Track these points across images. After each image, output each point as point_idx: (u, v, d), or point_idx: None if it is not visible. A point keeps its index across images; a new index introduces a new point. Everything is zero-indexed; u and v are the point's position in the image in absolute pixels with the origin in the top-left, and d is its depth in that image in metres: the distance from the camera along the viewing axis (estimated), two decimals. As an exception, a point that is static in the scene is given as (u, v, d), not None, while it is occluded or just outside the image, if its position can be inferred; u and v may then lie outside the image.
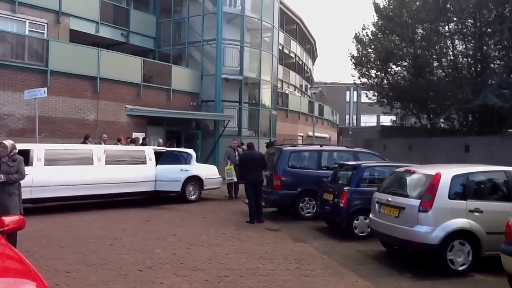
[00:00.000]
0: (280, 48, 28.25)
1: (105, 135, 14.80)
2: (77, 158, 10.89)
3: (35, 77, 15.31)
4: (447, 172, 6.76)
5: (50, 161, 9.96)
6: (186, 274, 5.84)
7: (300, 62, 36.75)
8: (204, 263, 6.43)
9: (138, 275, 5.70)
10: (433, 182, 6.60)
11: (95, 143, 13.44)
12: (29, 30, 17.47)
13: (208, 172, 13.44)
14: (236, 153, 13.54)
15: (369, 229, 8.42)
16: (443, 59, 21.45)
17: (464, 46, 20.61)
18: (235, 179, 12.71)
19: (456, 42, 20.90)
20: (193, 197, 12.81)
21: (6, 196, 6.16)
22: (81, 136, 14.75)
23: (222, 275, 5.88)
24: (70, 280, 5.41)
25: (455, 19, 20.00)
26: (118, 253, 6.75)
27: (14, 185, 6.28)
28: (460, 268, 6.41)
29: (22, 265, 2.96)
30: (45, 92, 12.42)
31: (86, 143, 13.18)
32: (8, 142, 6.45)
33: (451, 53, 21.14)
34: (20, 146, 7.32)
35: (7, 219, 3.46)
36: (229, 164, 13.20)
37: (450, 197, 6.51)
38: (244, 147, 17.86)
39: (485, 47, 19.29)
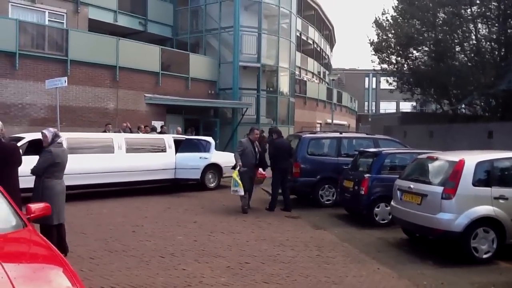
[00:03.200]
0: (298, 34, 27.95)
1: (127, 124, 14.91)
2: (98, 146, 11.01)
3: (56, 66, 15.47)
4: (471, 159, 6.64)
5: (72, 149, 10.07)
6: (207, 261, 5.88)
7: (318, 49, 36.36)
8: (225, 250, 6.46)
9: (160, 261, 5.77)
10: (456, 169, 6.49)
11: (115, 132, 13.57)
12: (49, 20, 17.64)
13: (227, 159, 13.42)
14: (256, 148, 10.01)
15: (390, 217, 8.37)
16: (465, 44, 20.94)
17: (487, 30, 20.06)
18: (242, 193, 9.27)
19: (479, 25, 20.34)
20: (212, 184, 12.87)
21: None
22: (102, 124, 14.93)
23: (243, 262, 5.90)
24: (93, 266, 5.49)
25: (478, 1, 19.43)
26: (140, 240, 6.83)
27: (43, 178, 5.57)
28: (484, 256, 6.31)
29: (49, 251, 3.02)
30: (65, 81, 12.53)
31: (106, 132, 13.32)
32: (48, 131, 5.76)
33: (473, 37, 20.61)
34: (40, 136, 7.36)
35: (34, 207, 3.52)
36: (238, 168, 9.42)
37: (474, 184, 6.39)
38: (265, 134, 17.84)
39: (509, 30, 18.76)
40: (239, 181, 9.23)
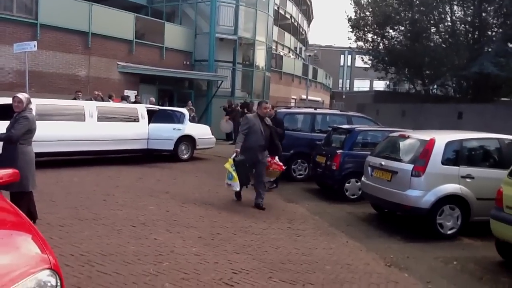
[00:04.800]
0: (276, 8, 27.65)
1: (99, 92, 14.60)
2: (68, 114, 10.74)
3: (25, 30, 14.90)
4: (441, 138, 6.79)
5: (42, 116, 9.79)
6: (179, 231, 5.88)
7: (296, 24, 36.12)
8: (197, 221, 6.48)
9: (132, 230, 5.73)
10: (427, 148, 6.64)
11: (86, 100, 13.25)
12: (18, -19, 16.86)
13: (201, 132, 13.39)
14: (266, 127, 7.78)
15: (360, 192, 8.53)
16: (440, 25, 21.21)
17: (462, 12, 20.35)
18: (237, 188, 7.55)
19: (455, 7, 20.61)
20: (185, 156, 12.80)
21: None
22: (72, 92, 14.54)
23: (215, 233, 5.94)
24: (63, 234, 5.42)
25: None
26: (111, 209, 6.77)
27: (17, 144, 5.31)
28: (449, 232, 6.54)
29: (17, 217, 2.95)
30: (35, 46, 12.11)
31: (76, 99, 13.01)
32: (23, 96, 5.48)
33: (449, 19, 20.89)
34: (8, 101, 7.10)
35: (2, 172, 3.41)
36: (234, 155, 7.55)
37: (443, 163, 6.56)
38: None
39: (484, 14, 19.05)
40: (234, 173, 7.39)
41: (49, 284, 2.45)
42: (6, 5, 14.91)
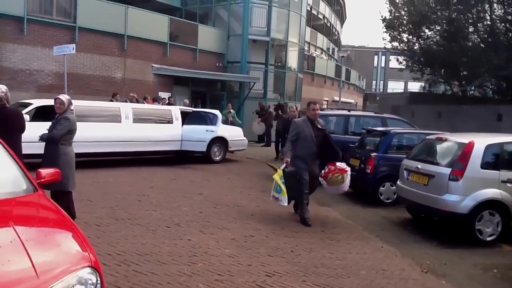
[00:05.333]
0: (309, 9, 27.52)
1: (133, 94, 14.90)
2: (105, 115, 10.99)
3: (64, 33, 15.35)
4: (481, 141, 6.60)
5: (80, 117, 10.02)
6: (212, 232, 5.92)
7: (328, 24, 35.83)
8: (230, 223, 6.51)
9: (166, 231, 5.82)
10: (465, 151, 6.46)
11: (122, 101, 13.54)
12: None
13: (233, 133, 13.45)
14: (312, 132, 6.94)
15: (395, 196, 8.38)
16: (479, 24, 20.58)
17: (502, 11, 19.67)
18: (284, 203, 6.66)
19: (495, 6, 19.96)
20: (217, 158, 12.88)
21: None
22: (109, 93, 14.89)
23: (248, 235, 5.95)
24: (100, 233, 5.55)
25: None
26: (146, 209, 6.88)
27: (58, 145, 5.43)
28: (488, 239, 6.34)
29: (59, 215, 3.04)
30: (73, 48, 12.45)
31: (113, 101, 13.30)
32: (64, 97, 5.62)
33: (488, 17, 20.23)
34: (49, 102, 7.32)
35: (44, 172, 3.52)
36: (284, 165, 6.81)
37: (482, 167, 6.37)
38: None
39: (525, 12, 18.39)
40: (283, 186, 6.59)
41: (90, 281, 2.51)
42: (46, 9, 15.42)
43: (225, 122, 15.45)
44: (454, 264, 5.49)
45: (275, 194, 6.80)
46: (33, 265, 2.36)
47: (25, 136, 5.59)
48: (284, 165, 6.75)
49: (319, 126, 6.92)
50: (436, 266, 5.34)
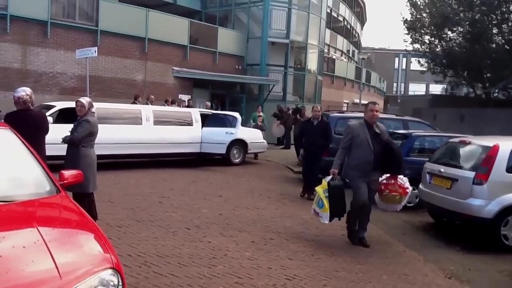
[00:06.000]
0: (328, 11, 27.38)
1: (152, 96, 15.05)
2: (126, 117, 11.11)
3: (86, 36, 15.60)
4: (506, 144, 6.45)
5: (101, 119, 10.17)
6: (232, 235, 5.92)
7: (348, 26, 35.60)
8: (249, 225, 6.49)
9: (186, 233, 5.83)
10: (490, 154, 6.32)
11: (143, 104, 13.68)
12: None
13: (252, 136, 13.45)
14: (369, 138, 5.85)
15: (417, 200, 8.24)
16: (503, 25, 20.17)
17: (528, 11, 19.28)
18: (326, 220, 5.91)
19: (519, 7, 19.56)
20: (237, 160, 12.89)
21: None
22: (130, 96, 15.07)
23: (268, 238, 5.92)
24: (121, 234, 5.59)
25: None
26: (166, 211, 6.92)
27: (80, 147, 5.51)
28: (514, 244, 6.17)
29: (81, 217, 3.06)
30: (95, 51, 12.64)
31: (136, 103, 13.44)
32: (85, 100, 5.70)
33: (512, 18, 19.85)
34: (71, 104, 7.41)
35: (67, 173, 3.56)
36: (331, 177, 5.91)
37: (507, 171, 6.22)
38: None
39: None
40: (325, 200, 5.82)
41: (111, 283, 2.52)
42: (69, 13, 15.70)
43: (255, 126, 15.46)
44: (478, 270, 5.36)
45: (316, 209, 6.02)
46: (56, 266, 2.38)
47: (48, 137, 5.67)
48: (331, 177, 5.86)
49: (378, 131, 5.82)
50: (460, 272, 5.23)
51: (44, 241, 2.53)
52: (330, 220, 5.89)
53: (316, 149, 8.68)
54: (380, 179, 6.02)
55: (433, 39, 23.28)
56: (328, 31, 27.73)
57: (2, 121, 4.63)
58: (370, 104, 5.94)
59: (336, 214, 5.90)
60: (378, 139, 5.77)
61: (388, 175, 6.03)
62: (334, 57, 30.55)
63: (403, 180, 6.00)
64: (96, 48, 12.82)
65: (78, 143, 5.50)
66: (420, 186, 7.49)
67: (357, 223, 6.00)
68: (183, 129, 11.98)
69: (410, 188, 6.04)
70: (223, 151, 12.51)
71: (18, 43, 14.14)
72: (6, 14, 13.77)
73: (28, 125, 5.03)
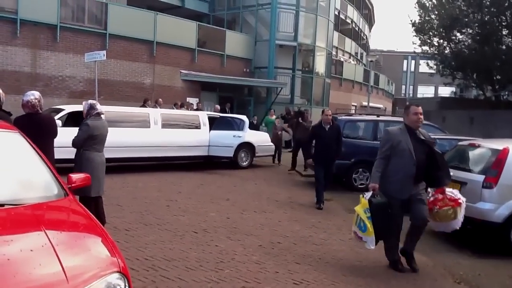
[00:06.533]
0: (336, 13, 27.36)
1: (161, 100, 15.11)
2: (134, 121, 11.16)
3: (95, 40, 15.72)
4: (516, 147, 6.36)
5: (109, 123, 10.18)
6: (239, 238, 5.90)
7: (357, 29, 35.56)
8: (257, 229, 6.48)
9: (193, 236, 5.83)
10: (500, 157, 6.25)
11: (152, 107, 13.74)
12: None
13: (260, 139, 13.45)
14: (410, 146, 5.00)
15: (426, 203, 8.16)
16: (513, 26, 20.02)
17: (538, 13, 19.11)
18: (371, 245, 4.95)
19: (530, 8, 19.38)
20: (245, 163, 12.90)
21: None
22: (138, 99, 15.15)
23: (275, 242, 5.90)
24: (129, 238, 5.60)
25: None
26: (174, 214, 6.93)
27: (82, 150, 5.55)
28: (525, 249, 6.09)
29: (89, 220, 3.07)
30: (104, 55, 12.71)
31: (145, 107, 13.50)
32: (84, 103, 5.75)
33: (522, 20, 19.68)
34: (80, 108, 7.44)
35: (75, 177, 3.57)
36: (370, 193, 5.02)
37: (518, 174, 6.13)
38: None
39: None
40: (368, 223, 4.86)
41: (118, 287, 2.52)
42: (79, 16, 15.83)
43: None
44: (488, 275, 5.29)
45: (358, 232, 4.99)
46: (63, 269, 2.38)
47: (58, 141, 5.70)
48: (370, 193, 4.92)
49: (422, 138, 5.05)
50: (469, 277, 5.16)
51: (52, 244, 2.53)
52: (376, 243, 4.96)
53: (330, 154, 8.39)
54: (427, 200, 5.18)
55: (442, 41, 23.16)
56: (336, 34, 27.71)
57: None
58: (412, 106, 5.08)
59: (382, 236, 4.97)
60: (422, 147, 4.96)
61: (433, 189, 5.26)
62: (342, 59, 30.50)
63: (453, 192, 5.20)
64: (104, 52, 12.90)
65: (78, 147, 5.51)
66: (429, 190, 7.41)
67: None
68: (191, 132, 12.02)
69: (463, 198, 5.20)
70: (231, 154, 12.52)
71: (28, 47, 14.28)
72: (16, 18, 13.92)
73: (37, 129, 5.05)
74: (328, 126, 8.43)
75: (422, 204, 5.05)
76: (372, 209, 4.85)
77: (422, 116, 5.05)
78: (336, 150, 8.47)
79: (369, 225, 4.83)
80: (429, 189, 5.28)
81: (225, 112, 16.01)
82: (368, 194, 4.94)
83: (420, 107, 5.08)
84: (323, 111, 8.70)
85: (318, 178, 8.42)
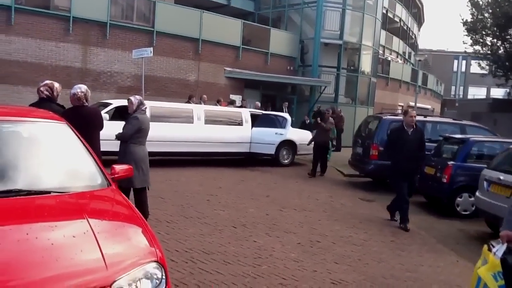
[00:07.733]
0: (384, 11, 26.71)
1: (205, 96, 15.28)
2: (178, 116, 11.34)
3: (142, 37, 16.09)
4: None
5: (154, 118, 10.47)
6: (278, 235, 5.88)
7: (405, 27, 34.56)
8: (296, 227, 6.43)
9: (232, 231, 5.86)
10: (555, 162, 5.90)
11: (196, 103, 13.92)
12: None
13: (302, 137, 13.34)
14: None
15: (473, 208, 7.87)
16: None
17: None
18: None
19: None
20: (286, 161, 12.84)
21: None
22: (183, 95, 15.39)
23: (314, 240, 5.84)
24: (170, 229, 5.70)
25: None
26: (214, 209, 6.99)
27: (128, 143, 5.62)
28: None
29: (130, 211, 3.13)
30: (151, 52, 12.98)
31: (190, 103, 13.71)
32: (134, 98, 5.80)
33: None
34: (126, 102, 7.60)
35: (118, 168, 3.65)
36: (497, 249, 2.89)
37: None
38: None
39: None
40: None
41: (155, 276, 2.56)
42: (127, 14, 16.26)
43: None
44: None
45: None
46: (103, 256, 2.44)
47: (104, 133, 5.86)
48: (502, 246, 2.91)
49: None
50: None
51: (93, 232, 2.60)
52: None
53: (414, 164, 7.12)
54: None
55: (495, 40, 22.20)
56: (383, 32, 27.06)
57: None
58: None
59: None
60: None
61: None
62: (389, 58, 29.77)
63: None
64: (151, 49, 13.17)
65: (127, 140, 5.62)
66: (477, 193, 7.13)
67: None
68: (233, 128, 12.08)
69: None
70: (272, 151, 12.50)
71: (79, 43, 14.80)
72: (69, 15, 14.45)
73: (83, 121, 5.20)
74: (411, 130, 7.04)
75: None
76: (507, 272, 2.87)
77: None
78: (420, 159, 7.30)
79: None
80: None
81: (282, 111, 15.94)
82: (499, 249, 2.93)
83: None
84: (406, 112, 7.28)
85: (403, 195, 7.04)
